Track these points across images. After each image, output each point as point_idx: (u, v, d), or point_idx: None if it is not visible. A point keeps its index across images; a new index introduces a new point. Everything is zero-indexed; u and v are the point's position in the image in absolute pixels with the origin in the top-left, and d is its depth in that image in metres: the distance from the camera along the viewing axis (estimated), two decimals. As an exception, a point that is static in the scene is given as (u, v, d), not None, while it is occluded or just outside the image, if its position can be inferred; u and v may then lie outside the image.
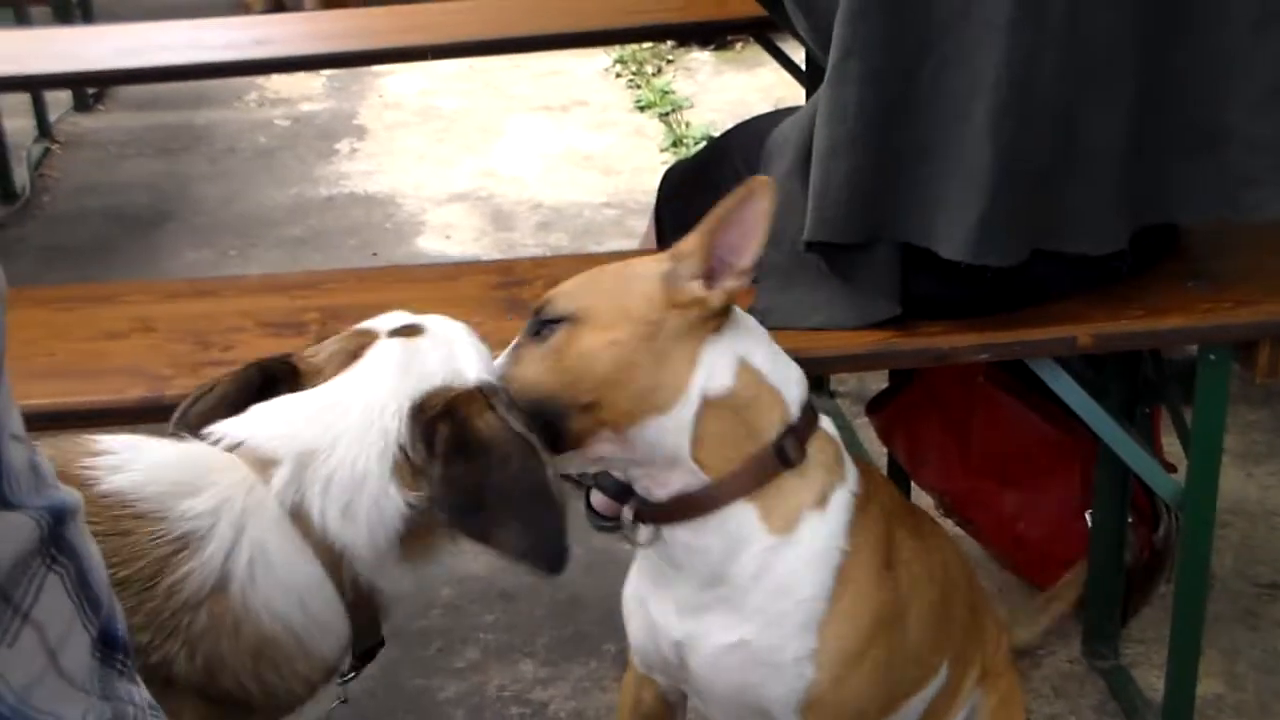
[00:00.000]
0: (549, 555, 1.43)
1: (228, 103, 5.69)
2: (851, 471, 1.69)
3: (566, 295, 1.63)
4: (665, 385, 1.58)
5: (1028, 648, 2.41)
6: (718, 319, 1.62)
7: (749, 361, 1.63)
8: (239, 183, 4.95)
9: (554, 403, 1.58)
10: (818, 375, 3.32)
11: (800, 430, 1.64)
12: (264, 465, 1.38)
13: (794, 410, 1.65)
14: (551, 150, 5.14)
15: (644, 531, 1.72)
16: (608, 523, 2.92)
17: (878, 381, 3.01)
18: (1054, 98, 1.88)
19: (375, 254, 4.29)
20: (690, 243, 1.62)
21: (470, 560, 2.83)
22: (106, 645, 0.88)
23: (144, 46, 3.50)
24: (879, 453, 2.99)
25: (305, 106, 5.69)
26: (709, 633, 1.67)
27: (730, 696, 1.71)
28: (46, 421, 2.00)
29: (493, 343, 2.03)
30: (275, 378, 1.50)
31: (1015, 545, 2.67)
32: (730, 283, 1.61)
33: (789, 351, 2.03)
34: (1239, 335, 2.06)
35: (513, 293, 2.23)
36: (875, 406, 2.81)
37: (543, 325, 1.61)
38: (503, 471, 1.39)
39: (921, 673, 1.83)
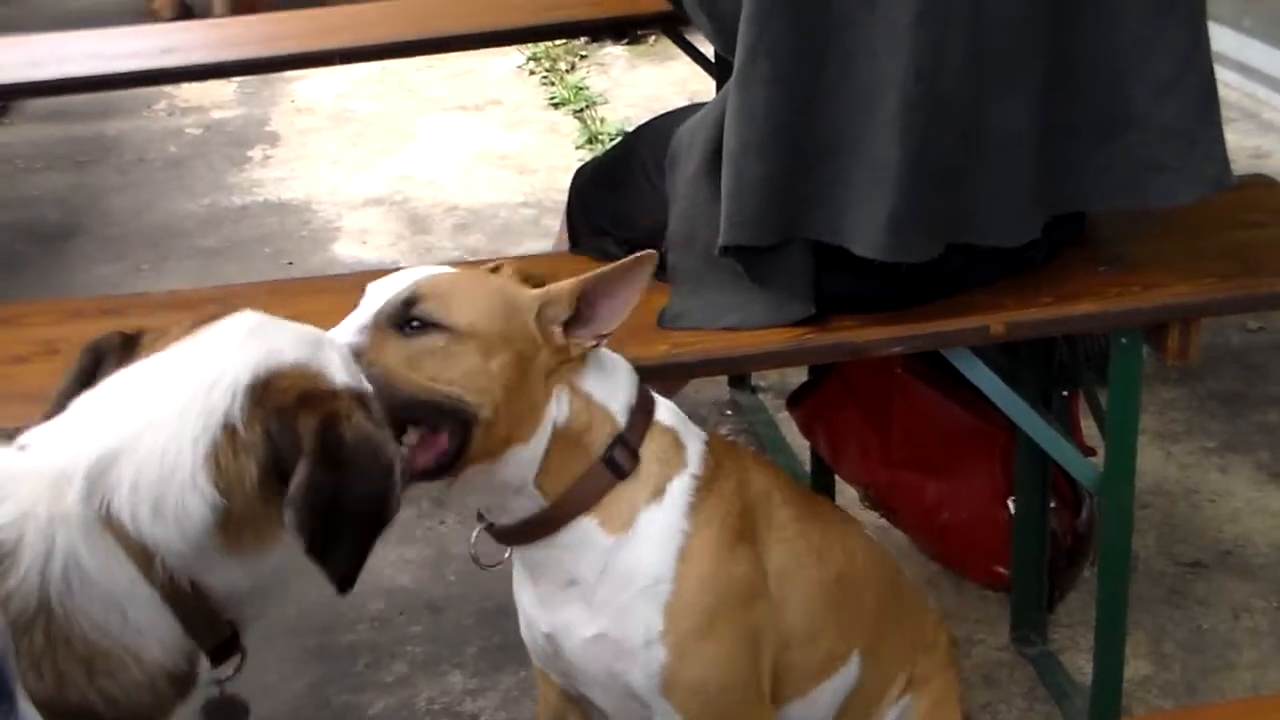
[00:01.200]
0: (354, 577, 1.36)
1: (137, 112, 5.61)
2: (694, 455, 1.71)
3: (448, 302, 1.58)
4: (531, 417, 1.61)
5: None
6: (576, 361, 1.65)
7: (579, 386, 1.66)
8: (150, 193, 4.88)
9: (431, 407, 1.55)
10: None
11: (630, 437, 1.67)
12: (66, 469, 1.29)
13: (622, 420, 1.67)
14: (467, 151, 5.11)
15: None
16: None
17: (799, 375, 3.00)
18: (961, 91, 1.89)
19: (290, 263, 4.24)
20: (564, 290, 1.64)
21: (398, 571, 2.83)
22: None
23: (48, 58, 3.43)
24: (802, 446, 3.00)
25: (216, 114, 5.62)
26: (570, 627, 1.70)
27: (605, 684, 1.74)
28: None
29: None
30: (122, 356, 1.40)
31: (939, 535, 2.67)
32: (589, 341, 1.65)
33: (702, 352, 2.04)
34: (1149, 318, 2.08)
35: (423, 301, 2.20)
36: (795, 401, 2.80)
37: (412, 320, 1.57)
38: (363, 486, 1.32)
39: (815, 657, 1.82)
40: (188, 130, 5.48)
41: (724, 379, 3.37)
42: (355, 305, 2.23)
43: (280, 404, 1.31)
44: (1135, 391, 2.11)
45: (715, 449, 1.75)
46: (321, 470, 1.29)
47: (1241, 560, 2.78)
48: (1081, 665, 2.47)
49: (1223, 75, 2.21)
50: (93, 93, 4.61)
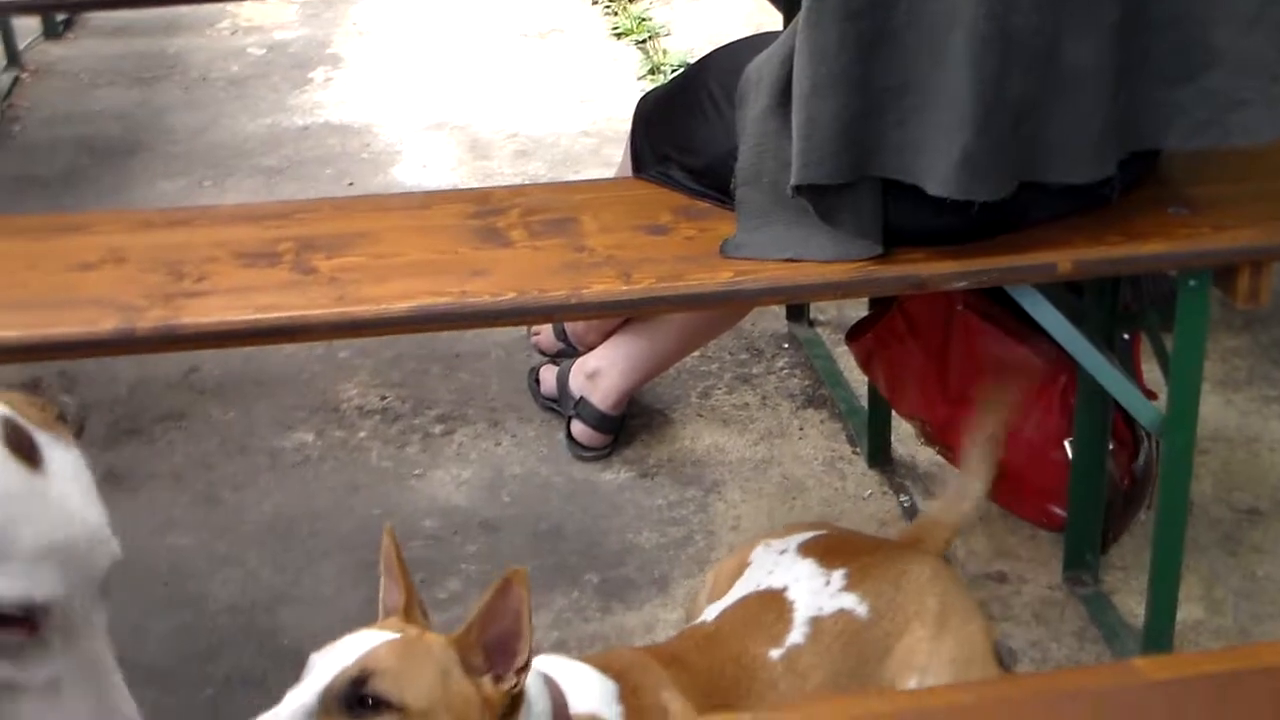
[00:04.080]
0: None
1: (200, 30, 5.61)
2: None
3: (393, 679, 1.50)
4: None
5: (953, 534, 2.20)
6: (517, 706, 1.59)
7: None
8: (213, 112, 4.88)
9: None
10: (799, 305, 3.31)
11: None
12: None
13: None
14: (528, 78, 5.09)
15: None
16: (587, 452, 2.94)
17: (858, 309, 3.00)
18: (1034, 26, 1.86)
19: (351, 183, 4.25)
20: (465, 638, 1.57)
21: (453, 491, 2.85)
22: None
23: (113, -28, 3.44)
24: (858, 380, 3.00)
25: (278, 34, 5.61)
26: None
27: None
28: (20, 354, 1.98)
29: (464, 274, 2.04)
30: None
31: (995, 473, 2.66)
32: (512, 679, 1.56)
33: (765, 280, 2.03)
34: (1219, 260, 2.05)
35: (488, 221, 2.20)
36: (854, 334, 2.79)
37: (361, 700, 1.49)
38: None
39: None
40: (250, 50, 5.47)
41: (782, 313, 3.36)
42: (414, 224, 2.26)
43: None
44: (1201, 334, 2.09)
45: (630, 706, 1.71)
46: None
47: (1299, 509, 2.77)
48: (1133, 607, 2.46)
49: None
50: (157, 8, 4.61)
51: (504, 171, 4.33)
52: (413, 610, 1.66)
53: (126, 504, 2.81)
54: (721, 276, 2.04)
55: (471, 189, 3.66)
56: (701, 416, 3.07)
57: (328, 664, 1.52)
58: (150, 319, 1.95)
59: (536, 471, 2.91)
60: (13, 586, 1.25)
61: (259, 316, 1.98)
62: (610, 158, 4.16)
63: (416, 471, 2.92)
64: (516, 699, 1.58)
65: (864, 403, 2.93)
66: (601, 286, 2.02)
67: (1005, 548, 2.65)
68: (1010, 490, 2.66)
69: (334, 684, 1.49)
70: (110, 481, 2.87)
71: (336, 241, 2.15)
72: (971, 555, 2.64)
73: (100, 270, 2.09)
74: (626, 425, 2.98)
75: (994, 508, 2.72)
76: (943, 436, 2.75)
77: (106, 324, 1.95)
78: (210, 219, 2.29)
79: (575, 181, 3.44)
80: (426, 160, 4.44)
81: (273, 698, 2.29)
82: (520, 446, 2.99)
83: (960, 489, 2.15)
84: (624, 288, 2.03)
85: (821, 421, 3.05)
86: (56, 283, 2.06)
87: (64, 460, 1.36)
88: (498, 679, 1.56)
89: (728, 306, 2.70)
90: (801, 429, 3.03)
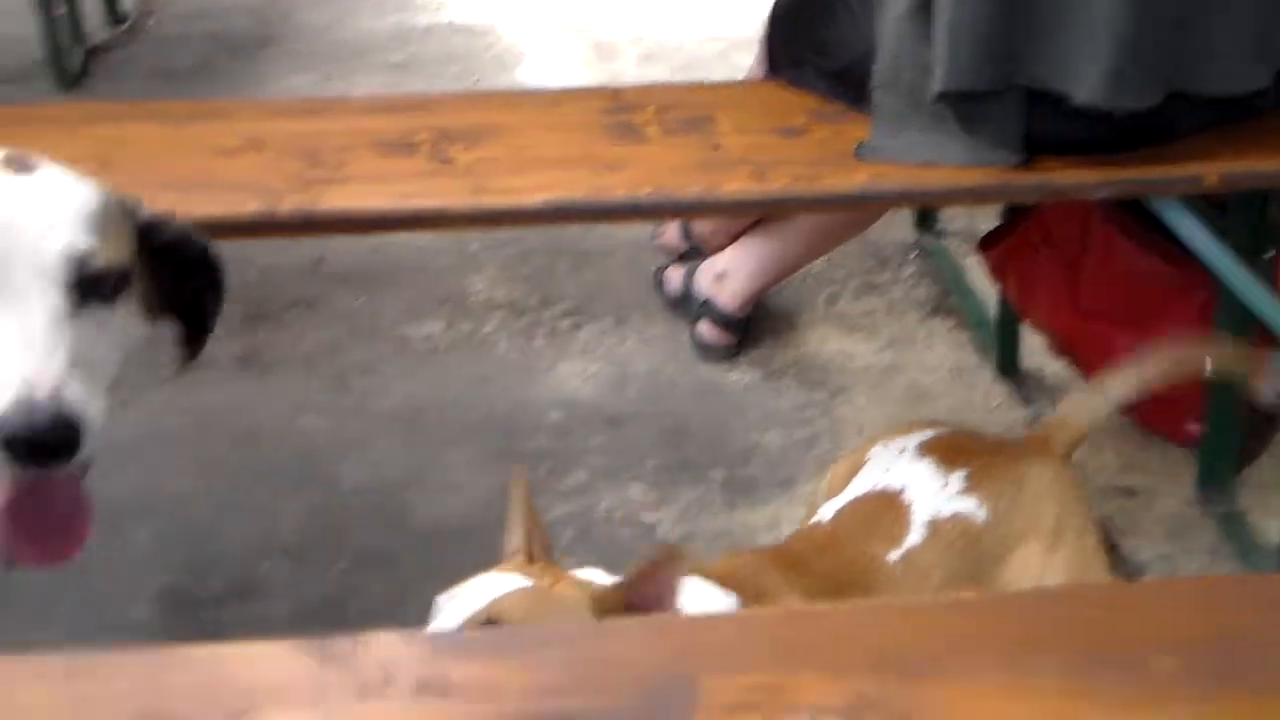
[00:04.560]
0: None
1: (327, -70, 5.62)
2: None
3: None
4: None
5: (1079, 438, 2.07)
6: None
7: None
8: (339, 9, 4.91)
9: None
10: (928, 214, 3.27)
11: None
12: None
13: None
14: (656, -20, 5.04)
15: None
16: (713, 353, 2.95)
17: (987, 220, 2.96)
18: None
19: (477, 80, 4.26)
20: (606, 599, 1.50)
21: (579, 385, 2.87)
22: None
23: None
24: (985, 291, 2.96)
25: (404, -66, 5.61)
26: None
27: None
28: (165, 234, 2.02)
29: (600, 169, 2.04)
30: None
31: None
32: None
33: (901, 183, 2.01)
34: (1373, 175, 1.99)
35: (622, 118, 2.20)
36: (987, 243, 2.76)
37: None
38: None
39: None
40: (375, -51, 5.48)
41: (909, 221, 3.32)
42: (547, 120, 2.25)
43: None
44: (1352, 251, 2.04)
45: None
46: None
47: None
48: (1268, 527, 2.43)
49: None
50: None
51: (629, 74, 4.31)
52: (537, 552, 1.62)
53: (258, 386, 2.88)
54: (857, 179, 2.02)
55: (603, 87, 3.65)
56: (828, 322, 3.06)
57: (456, 608, 1.47)
58: (290, 203, 1.97)
59: (662, 369, 2.92)
60: None
61: (397, 205, 1.99)
62: (737, 63, 4.11)
63: (543, 365, 2.95)
64: None
65: (991, 313, 2.90)
66: (736, 185, 2.01)
67: (1136, 462, 2.62)
68: (1144, 405, 2.63)
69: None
70: (242, 364, 2.93)
71: (472, 133, 2.15)
72: (1101, 468, 2.61)
73: (240, 156, 2.11)
74: (752, 328, 2.98)
75: (1125, 421, 2.69)
76: (1072, 348, 2.71)
77: (248, 206, 1.97)
78: (346, 109, 2.32)
79: (709, 82, 3.40)
80: (551, 62, 4.43)
81: (401, 577, 2.36)
82: (646, 344, 3.00)
83: (1093, 393, 2.10)
84: (759, 187, 2.02)
85: (948, 331, 3.02)
86: (199, 166, 2.09)
87: (57, 179, 1.35)
88: None
89: (862, 209, 2.68)
90: (928, 338, 3.00)
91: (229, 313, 3.01)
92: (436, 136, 2.13)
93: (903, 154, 2.03)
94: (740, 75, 2.95)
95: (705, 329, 2.94)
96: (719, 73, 4.21)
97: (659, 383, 2.89)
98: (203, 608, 2.36)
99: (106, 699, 0.82)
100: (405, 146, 2.11)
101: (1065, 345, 2.72)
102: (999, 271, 2.76)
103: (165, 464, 2.66)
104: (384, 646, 0.84)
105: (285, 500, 2.57)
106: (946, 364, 2.93)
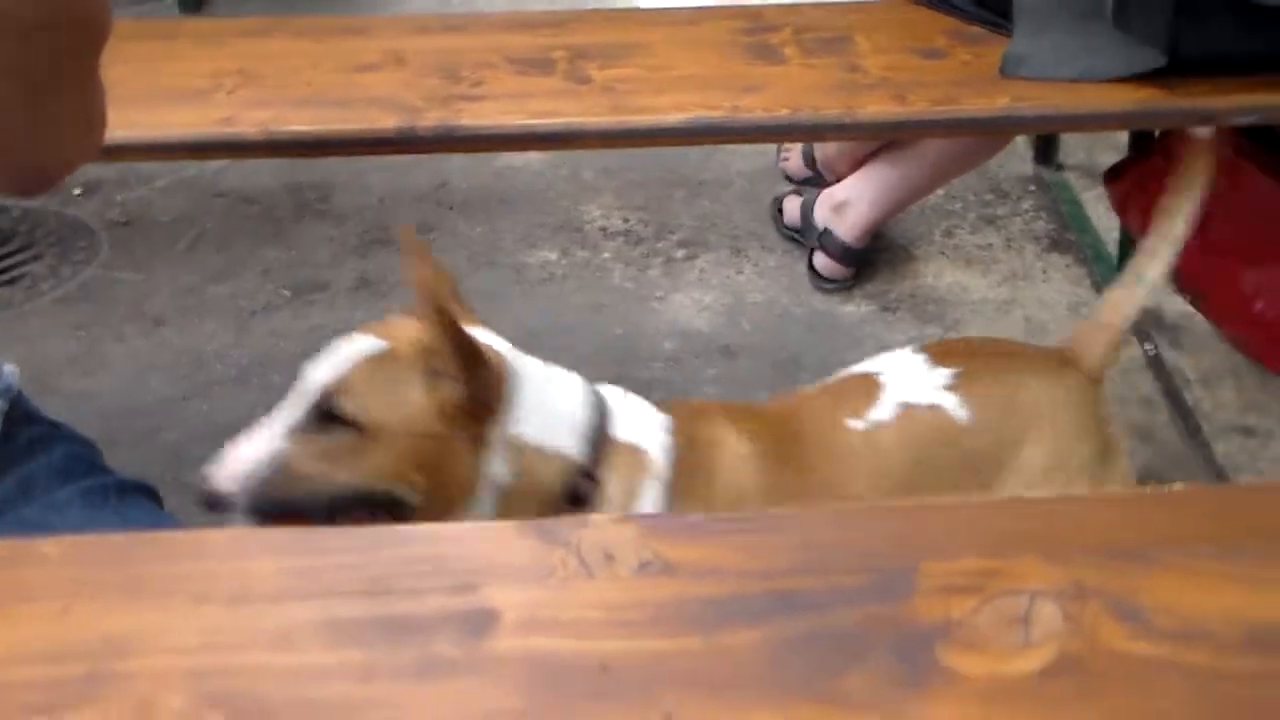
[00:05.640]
0: None
1: None
2: (659, 461, 1.62)
3: (358, 398, 1.50)
4: (466, 487, 1.52)
5: (1112, 344, 1.98)
6: (488, 411, 1.54)
7: (521, 439, 1.55)
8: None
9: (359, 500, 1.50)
10: (1047, 148, 3.24)
11: (588, 464, 1.58)
12: None
13: (574, 451, 1.57)
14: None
15: None
16: (829, 284, 2.94)
17: (1107, 154, 2.94)
18: None
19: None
20: (439, 341, 1.53)
21: (694, 315, 2.88)
22: None
23: None
24: (1105, 226, 2.94)
25: None
26: None
27: None
28: (308, 147, 2.04)
29: (738, 89, 2.03)
30: None
31: (1251, 324, 2.60)
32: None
33: (1042, 107, 1.98)
34: None
35: (760, 38, 2.19)
36: (1113, 175, 2.73)
37: (329, 418, 1.50)
38: None
39: None
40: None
41: (1028, 155, 3.30)
42: (684, 37, 2.25)
43: None
44: None
45: (681, 441, 1.65)
46: None
47: None
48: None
49: None
50: None
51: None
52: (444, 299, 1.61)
53: (379, 308, 2.89)
54: (998, 102, 2.00)
55: (741, 6, 3.65)
56: (944, 255, 3.04)
57: (313, 378, 1.53)
58: (430, 119, 1.98)
59: (777, 300, 2.92)
60: None
61: (535, 122, 2.00)
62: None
63: (658, 294, 2.95)
64: (493, 392, 1.54)
65: (1111, 249, 2.87)
66: (876, 107, 2.00)
67: (1255, 402, 2.60)
68: (1266, 343, 2.60)
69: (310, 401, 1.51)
70: (363, 286, 2.95)
71: (609, 51, 2.16)
72: (1219, 407, 2.60)
73: (380, 72, 2.12)
74: (869, 259, 2.97)
75: (1244, 361, 2.67)
76: (1195, 284, 2.68)
77: (388, 123, 1.98)
78: (485, 25, 2.32)
79: (847, 2, 3.38)
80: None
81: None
82: (761, 275, 3.00)
83: (1126, 286, 2.02)
84: (899, 109, 2.00)
85: (1066, 266, 3.00)
86: (339, 81, 2.10)
87: None
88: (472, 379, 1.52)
89: (1003, 132, 2.66)
90: (1045, 272, 2.98)
91: (347, 237, 3.06)
92: (573, 54, 2.14)
93: (1048, 66, 1.97)
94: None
95: (822, 260, 2.94)
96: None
97: (774, 314, 2.90)
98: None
99: (332, 569, 0.84)
100: (542, 64, 2.12)
101: (1189, 282, 2.68)
102: (1123, 204, 2.73)
103: (283, 387, 2.69)
104: (604, 529, 0.86)
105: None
106: (1063, 299, 2.91)
